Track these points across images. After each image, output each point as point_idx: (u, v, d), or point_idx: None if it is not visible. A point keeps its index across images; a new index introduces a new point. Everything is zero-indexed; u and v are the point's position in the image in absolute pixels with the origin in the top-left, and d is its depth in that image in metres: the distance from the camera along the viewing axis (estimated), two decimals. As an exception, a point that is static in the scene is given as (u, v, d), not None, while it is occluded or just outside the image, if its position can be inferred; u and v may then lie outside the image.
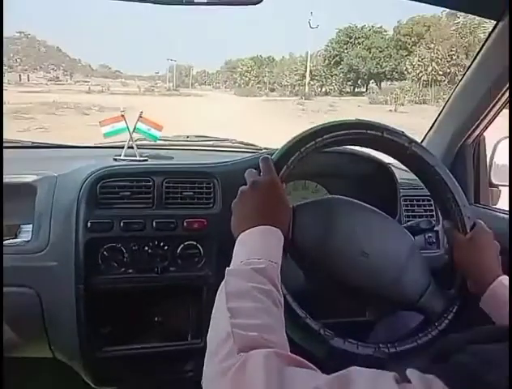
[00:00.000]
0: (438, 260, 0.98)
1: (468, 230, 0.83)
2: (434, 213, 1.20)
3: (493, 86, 1.07)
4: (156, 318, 1.12)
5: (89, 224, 1.01)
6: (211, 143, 1.52)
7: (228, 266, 0.87)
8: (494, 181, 1.26)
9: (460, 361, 0.44)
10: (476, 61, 1.10)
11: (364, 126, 0.84)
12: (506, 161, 1.25)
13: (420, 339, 0.79)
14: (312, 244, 0.79)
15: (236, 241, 0.71)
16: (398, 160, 0.90)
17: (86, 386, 1.12)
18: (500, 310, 0.75)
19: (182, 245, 1.06)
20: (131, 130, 1.32)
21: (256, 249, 0.68)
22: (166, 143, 1.47)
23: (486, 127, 1.18)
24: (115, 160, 1.28)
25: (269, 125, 10.82)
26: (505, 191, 1.27)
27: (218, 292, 0.64)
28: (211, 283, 1.06)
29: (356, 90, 26.94)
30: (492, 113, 1.13)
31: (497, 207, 1.26)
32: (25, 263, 1.03)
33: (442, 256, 0.97)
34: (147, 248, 1.04)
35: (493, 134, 1.25)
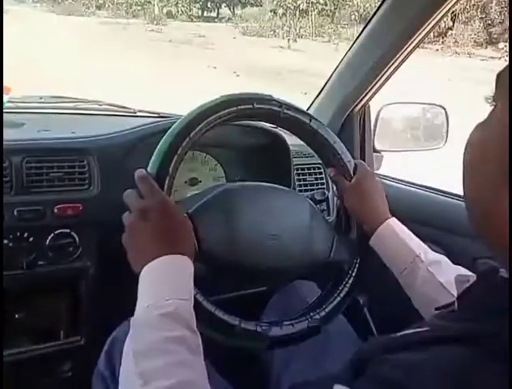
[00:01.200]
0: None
1: (352, 174, 0.88)
2: (325, 181, 1.21)
3: (380, 59, 1.08)
4: (25, 319, 0.99)
5: None
6: (72, 105, 1.30)
7: (111, 253, 0.85)
8: (377, 147, 1.31)
9: (382, 374, 0.44)
10: (365, 32, 1.10)
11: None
12: (388, 128, 1.30)
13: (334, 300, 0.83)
14: (219, 245, 0.76)
15: (139, 279, 0.63)
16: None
17: None
18: (387, 251, 0.84)
19: (52, 235, 0.92)
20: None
21: (161, 287, 0.62)
22: (13, 105, 1.21)
23: (372, 97, 1.21)
24: None
25: (124, 62, 8.56)
26: (386, 156, 1.33)
27: (124, 350, 0.60)
28: (90, 274, 0.97)
29: (206, 14, 21.75)
30: (378, 84, 1.15)
31: (379, 172, 1.33)
32: None
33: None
34: (6, 241, 0.89)
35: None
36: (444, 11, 0.95)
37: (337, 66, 1.22)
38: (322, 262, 0.85)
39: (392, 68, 1.10)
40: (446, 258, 0.83)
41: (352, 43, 1.16)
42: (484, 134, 0.48)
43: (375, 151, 1.32)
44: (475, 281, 0.52)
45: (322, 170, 1.21)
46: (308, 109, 1.32)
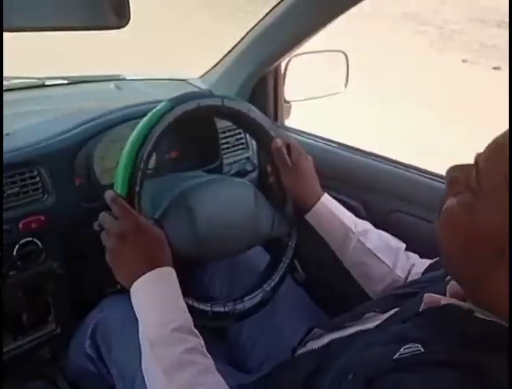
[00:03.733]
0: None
1: (286, 153, 1.01)
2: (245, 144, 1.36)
3: (300, 31, 1.21)
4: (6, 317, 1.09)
5: None
6: None
7: (74, 251, 1.07)
8: (287, 98, 1.47)
9: None
10: (283, 4, 1.18)
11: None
12: (296, 78, 1.46)
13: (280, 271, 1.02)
14: (186, 244, 0.89)
15: (132, 294, 0.76)
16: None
17: None
18: (323, 226, 1.02)
19: (18, 246, 1.00)
20: None
21: (160, 303, 0.74)
22: None
23: (286, 58, 1.34)
24: None
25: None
26: (294, 106, 1.51)
27: (145, 367, 0.73)
28: (58, 274, 1.08)
29: None
30: (294, 49, 1.28)
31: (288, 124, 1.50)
32: None
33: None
34: None
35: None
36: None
37: (246, 34, 1.32)
38: (268, 239, 1.03)
39: (314, 33, 1.20)
40: (371, 226, 1.03)
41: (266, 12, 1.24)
42: (473, 219, 0.57)
43: (285, 101, 1.48)
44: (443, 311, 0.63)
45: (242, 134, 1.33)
46: (209, 72, 1.46)
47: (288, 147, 1.03)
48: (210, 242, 0.94)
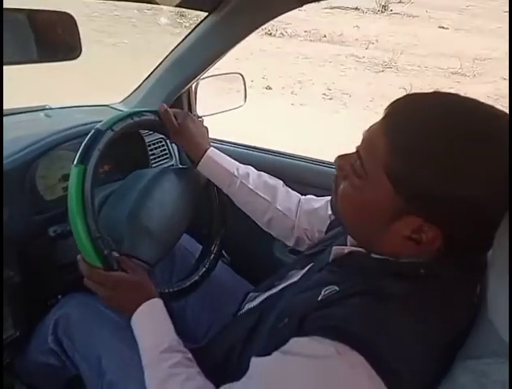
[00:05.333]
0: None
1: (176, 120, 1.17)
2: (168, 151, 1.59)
3: (204, 61, 1.43)
4: None
5: None
6: None
7: (31, 259, 1.21)
8: (199, 114, 1.70)
9: (322, 323, 0.67)
10: (191, 38, 1.41)
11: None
12: (204, 97, 1.68)
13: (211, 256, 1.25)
14: (155, 257, 1.10)
15: (132, 326, 0.95)
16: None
17: None
18: (211, 175, 1.19)
19: None
20: None
21: (152, 331, 0.94)
22: None
23: (196, 81, 1.57)
24: None
25: None
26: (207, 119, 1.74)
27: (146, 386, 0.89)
28: (14, 281, 1.19)
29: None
30: (201, 76, 1.52)
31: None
32: None
33: None
34: None
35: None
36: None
37: (161, 62, 1.53)
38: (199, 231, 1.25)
39: (217, 61, 1.43)
40: (253, 168, 1.20)
41: (177, 44, 1.46)
42: (364, 196, 0.74)
43: (198, 117, 1.71)
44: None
45: (164, 143, 1.57)
46: (130, 96, 1.67)
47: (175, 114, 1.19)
48: (167, 242, 1.16)
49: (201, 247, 1.30)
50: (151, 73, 1.58)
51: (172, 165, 1.57)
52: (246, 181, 1.17)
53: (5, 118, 1.50)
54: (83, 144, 0.97)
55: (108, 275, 0.96)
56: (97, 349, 1.09)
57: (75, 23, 0.89)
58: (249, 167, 1.22)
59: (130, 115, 1.08)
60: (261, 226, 1.21)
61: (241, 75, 1.75)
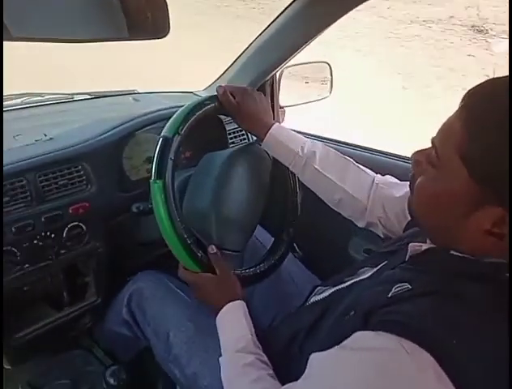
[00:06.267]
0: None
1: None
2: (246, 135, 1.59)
3: (292, 46, 1.41)
4: (50, 294, 1.31)
5: None
6: (19, 101, 1.52)
7: (115, 233, 1.28)
8: (282, 104, 1.70)
9: (391, 319, 0.64)
10: (279, 22, 1.38)
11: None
12: (288, 87, 1.68)
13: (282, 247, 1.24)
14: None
15: (216, 320, 1.01)
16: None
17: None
18: (275, 154, 1.16)
19: (67, 229, 1.21)
20: None
21: (230, 330, 0.98)
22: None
23: (280, 69, 1.56)
24: None
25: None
26: (288, 110, 1.75)
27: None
28: (99, 252, 1.29)
29: None
30: (289, 60, 1.49)
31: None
32: None
33: None
34: (36, 241, 1.16)
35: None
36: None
37: (247, 48, 1.53)
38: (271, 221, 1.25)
39: (303, 47, 1.40)
40: (321, 146, 1.14)
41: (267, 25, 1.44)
42: (438, 187, 0.71)
43: (280, 107, 1.71)
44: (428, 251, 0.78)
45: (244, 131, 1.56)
46: (216, 82, 1.68)
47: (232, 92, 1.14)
48: (250, 225, 1.21)
49: (272, 239, 1.31)
50: (236, 59, 1.60)
51: None
52: (312, 161, 1.11)
53: (98, 100, 1.62)
54: (154, 158, 1.01)
55: (203, 277, 1.04)
56: (166, 324, 1.16)
57: (165, 2, 0.89)
58: (317, 144, 1.15)
59: (192, 111, 1.08)
60: (330, 206, 1.17)
61: (328, 64, 1.72)
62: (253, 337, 0.95)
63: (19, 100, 1.52)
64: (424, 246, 0.79)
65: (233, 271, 1.09)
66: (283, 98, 1.69)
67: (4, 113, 1.45)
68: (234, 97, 1.13)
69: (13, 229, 1.10)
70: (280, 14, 1.38)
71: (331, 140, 1.64)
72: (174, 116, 1.05)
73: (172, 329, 1.14)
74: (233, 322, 0.99)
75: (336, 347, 0.68)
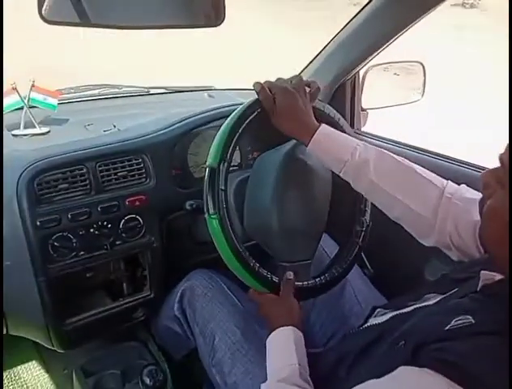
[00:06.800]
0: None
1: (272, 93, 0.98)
2: None
3: (375, 42, 1.32)
4: (106, 283, 1.32)
5: (38, 222, 1.09)
6: (96, 92, 1.57)
7: (170, 228, 1.26)
8: (364, 107, 1.59)
9: (442, 358, 0.57)
10: (361, 16, 1.31)
11: None
12: (373, 87, 1.56)
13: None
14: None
15: (267, 342, 0.97)
16: None
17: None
18: (323, 155, 0.99)
19: (124, 220, 1.21)
20: (26, 102, 1.30)
21: (278, 357, 0.94)
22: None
23: (363, 66, 1.46)
24: (15, 136, 1.29)
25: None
26: (371, 113, 1.62)
27: None
28: (154, 246, 1.28)
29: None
30: (372, 57, 1.39)
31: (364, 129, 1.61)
32: None
33: None
34: (92, 230, 1.17)
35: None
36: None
37: (328, 43, 1.45)
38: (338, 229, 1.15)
39: (388, 44, 1.30)
40: (375, 151, 0.96)
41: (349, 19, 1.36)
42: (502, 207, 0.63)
43: (362, 109, 1.59)
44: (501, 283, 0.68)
45: None
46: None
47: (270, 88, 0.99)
48: (317, 232, 1.15)
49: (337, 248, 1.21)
50: (315, 57, 1.52)
51: None
52: (365, 170, 0.94)
53: (173, 95, 1.62)
54: (204, 193, 0.96)
55: (267, 297, 1.03)
56: (213, 326, 1.13)
57: None
58: (371, 149, 0.97)
59: (234, 129, 0.97)
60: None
61: (422, 64, 1.58)
62: (301, 367, 0.89)
63: (96, 91, 1.58)
64: (498, 276, 0.69)
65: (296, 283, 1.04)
66: (367, 100, 1.58)
67: (80, 103, 1.51)
68: (273, 94, 0.98)
69: (69, 216, 1.12)
70: (364, 6, 1.29)
71: (391, 141, 1.49)
72: (216, 141, 0.98)
73: (218, 332, 1.12)
74: (281, 349, 0.95)
75: (376, 380, 0.63)
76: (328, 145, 0.96)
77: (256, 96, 0.99)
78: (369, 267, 1.37)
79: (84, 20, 0.82)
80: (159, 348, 1.37)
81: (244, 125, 0.98)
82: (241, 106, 1.00)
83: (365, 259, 1.35)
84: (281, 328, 0.96)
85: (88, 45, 6.19)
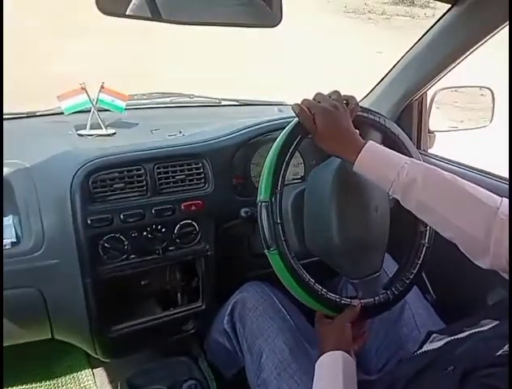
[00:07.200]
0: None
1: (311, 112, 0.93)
2: None
3: (442, 62, 1.28)
4: (158, 291, 1.29)
5: (89, 221, 1.09)
6: (168, 99, 1.61)
7: (224, 237, 1.22)
8: (431, 129, 1.54)
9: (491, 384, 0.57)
10: (429, 36, 1.28)
11: None
12: (441, 110, 1.53)
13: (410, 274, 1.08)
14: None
15: (316, 365, 0.94)
16: None
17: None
18: (369, 174, 0.93)
19: (179, 226, 1.19)
20: (94, 103, 1.35)
21: (324, 381, 0.91)
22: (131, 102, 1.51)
23: (430, 87, 1.42)
24: (80, 135, 1.33)
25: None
26: (439, 136, 1.56)
27: None
28: (208, 254, 1.25)
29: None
30: (440, 78, 1.35)
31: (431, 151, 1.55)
32: (20, 266, 1.09)
33: None
34: (145, 233, 1.16)
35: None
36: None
37: (396, 63, 1.43)
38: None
39: (455, 64, 1.27)
40: (424, 168, 0.90)
41: (414, 42, 1.34)
42: None
43: (429, 131, 1.55)
44: None
45: None
46: (364, 99, 1.58)
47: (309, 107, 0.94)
48: (382, 242, 1.09)
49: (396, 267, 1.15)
50: (383, 78, 1.50)
51: None
52: (412, 189, 0.88)
53: (243, 107, 1.66)
54: (260, 229, 0.93)
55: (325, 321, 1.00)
56: (261, 343, 1.08)
57: None
58: (420, 166, 0.91)
59: (279, 160, 0.95)
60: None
61: (490, 90, 1.52)
62: None
63: (168, 99, 1.62)
64: None
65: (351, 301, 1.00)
66: (434, 122, 1.54)
67: (152, 110, 1.56)
68: (312, 114, 0.94)
69: (121, 216, 1.11)
70: (430, 28, 1.28)
71: (458, 164, 1.40)
72: (264, 175, 0.95)
73: (265, 349, 1.07)
74: (328, 375, 0.91)
75: None
76: (374, 164, 0.91)
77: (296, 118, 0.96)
78: (432, 292, 1.30)
79: (146, 14, 0.83)
80: (209, 365, 1.32)
81: (288, 153, 0.95)
82: (281, 133, 0.97)
83: (428, 283, 1.28)
84: (331, 352, 0.92)
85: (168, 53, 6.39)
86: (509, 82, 0.45)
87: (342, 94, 0.97)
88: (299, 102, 0.95)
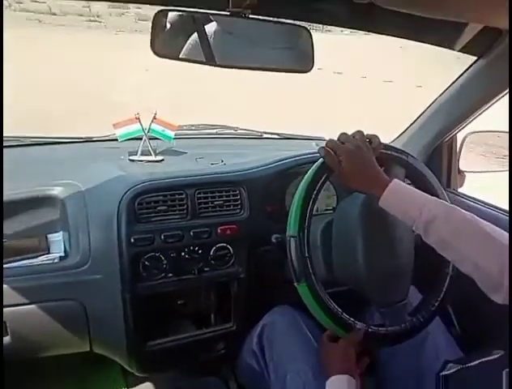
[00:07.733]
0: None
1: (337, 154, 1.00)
2: None
3: (470, 108, 1.35)
4: (192, 311, 1.37)
5: (132, 239, 1.18)
6: (214, 131, 1.73)
7: (256, 262, 1.26)
8: (462, 169, 1.59)
9: None
10: (458, 83, 1.36)
11: None
12: (471, 153, 1.58)
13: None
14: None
15: (326, 384, 0.99)
16: None
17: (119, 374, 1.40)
18: (393, 211, 0.98)
19: (214, 248, 1.27)
20: (146, 132, 1.47)
21: None
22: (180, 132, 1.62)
23: (460, 130, 1.48)
24: (131, 161, 1.44)
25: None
26: (469, 176, 1.61)
27: None
28: (241, 277, 1.32)
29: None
30: (467, 123, 1.42)
31: (460, 191, 1.60)
32: (66, 279, 1.17)
33: None
34: (183, 254, 1.24)
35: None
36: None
37: (429, 106, 1.50)
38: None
39: (482, 110, 1.33)
40: (443, 207, 0.95)
41: (447, 86, 1.42)
42: None
43: (459, 172, 1.60)
44: None
45: None
46: (395, 140, 1.66)
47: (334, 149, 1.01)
48: (407, 269, 1.13)
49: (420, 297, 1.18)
50: (415, 120, 1.57)
51: None
52: (432, 227, 0.94)
53: (283, 141, 1.78)
54: (290, 263, 0.99)
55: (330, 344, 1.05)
56: (287, 364, 1.12)
57: (311, 37, 0.96)
58: (440, 205, 0.97)
59: (306, 197, 1.02)
60: None
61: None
62: None
63: (214, 130, 1.74)
64: None
65: (368, 329, 1.04)
66: (465, 163, 1.59)
67: (199, 140, 1.69)
68: (337, 156, 1.00)
69: (162, 237, 1.19)
70: (458, 77, 1.36)
71: (484, 203, 1.44)
72: (292, 211, 1.02)
73: (290, 371, 1.10)
74: None
75: None
76: (397, 203, 0.98)
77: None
78: (457, 326, 1.32)
79: (199, 58, 0.92)
80: (238, 387, 1.37)
81: (315, 190, 1.02)
82: (309, 171, 1.04)
83: (453, 317, 1.30)
84: (336, 376, 0.97)
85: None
86: (510, 84, 0.49)
87: (365, 133, 1.03)
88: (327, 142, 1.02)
